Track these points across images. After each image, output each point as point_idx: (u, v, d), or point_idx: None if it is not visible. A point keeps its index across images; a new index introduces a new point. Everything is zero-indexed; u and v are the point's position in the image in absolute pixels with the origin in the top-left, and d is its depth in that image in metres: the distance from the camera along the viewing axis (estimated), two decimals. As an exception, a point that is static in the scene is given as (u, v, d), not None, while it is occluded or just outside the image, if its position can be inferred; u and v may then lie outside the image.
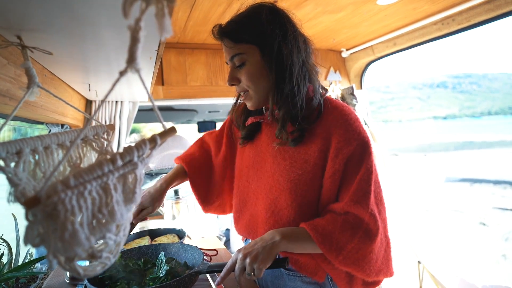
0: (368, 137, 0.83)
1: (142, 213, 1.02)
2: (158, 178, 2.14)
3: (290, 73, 0.83)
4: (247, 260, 0.74)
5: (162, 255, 0.97)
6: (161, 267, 0.92)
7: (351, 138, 0.80)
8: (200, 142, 1.21)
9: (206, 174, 1.14)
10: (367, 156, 0.81)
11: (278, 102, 0.85)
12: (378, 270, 0.82)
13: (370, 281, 0.86)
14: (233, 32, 0.85)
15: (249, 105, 0.92)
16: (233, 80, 0.89)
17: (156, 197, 1.04)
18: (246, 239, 1.09)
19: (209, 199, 1.13)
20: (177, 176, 1.11)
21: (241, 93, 0.92)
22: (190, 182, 1.12)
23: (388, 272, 0.85)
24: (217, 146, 1.15)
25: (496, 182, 9.82)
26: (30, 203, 0.27)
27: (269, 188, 0.90)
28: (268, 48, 0.83)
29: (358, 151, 0.80)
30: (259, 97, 0.88)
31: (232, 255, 0.81)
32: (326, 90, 0.92)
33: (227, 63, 0.90)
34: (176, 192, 1.71)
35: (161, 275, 0.89)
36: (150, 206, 1.02)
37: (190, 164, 1.12)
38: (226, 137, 1.12)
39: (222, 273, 0.79)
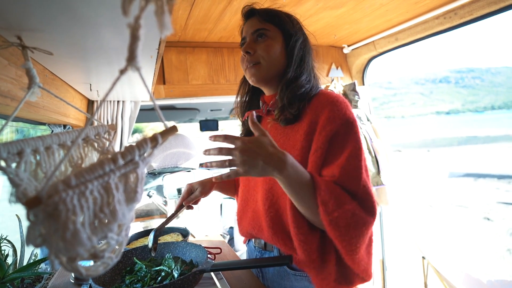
0: (354, 119, 0.84)
1: (191, 197, 1.08)
2: (160, 178, 2.15)
3: (300, 66, 0.92)
4: (238, 159, 0.68)
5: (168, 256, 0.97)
6: (165, 269, 0.92)
7: (336, 117, 0.81)
8: None
9: None
10: (353, 134, 0.81)
11: (284, 85, 0.91)
12: (360, 260, 0.78)
13: (344, 279, 0.81)
14: (265, 13, 0.94)
15: (253, 78, 0.94)
16: (250, 48, 0.92)
17: (204, 185, 1.10)
18: (249, 240, 1.08)
19: None
20: (227, 182, 1.21)
21: (250, 65, 0.93)
22: (236, 192, 1.21)
23: (368, 275, 0.81)
24: None
25: (501, 177, 9.78)
26: (31, 203, 0.27)
27: (264, 178, 0.92)
28: (291, 40, 0.92)
29: (343, 130, 0.81)
30: (267, 70, 0.92)
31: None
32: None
33: (243, 40, 0.96)
34: (179, 191, 1.71)
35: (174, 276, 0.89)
36: (198, 188, 1.08)
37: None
38: None
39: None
